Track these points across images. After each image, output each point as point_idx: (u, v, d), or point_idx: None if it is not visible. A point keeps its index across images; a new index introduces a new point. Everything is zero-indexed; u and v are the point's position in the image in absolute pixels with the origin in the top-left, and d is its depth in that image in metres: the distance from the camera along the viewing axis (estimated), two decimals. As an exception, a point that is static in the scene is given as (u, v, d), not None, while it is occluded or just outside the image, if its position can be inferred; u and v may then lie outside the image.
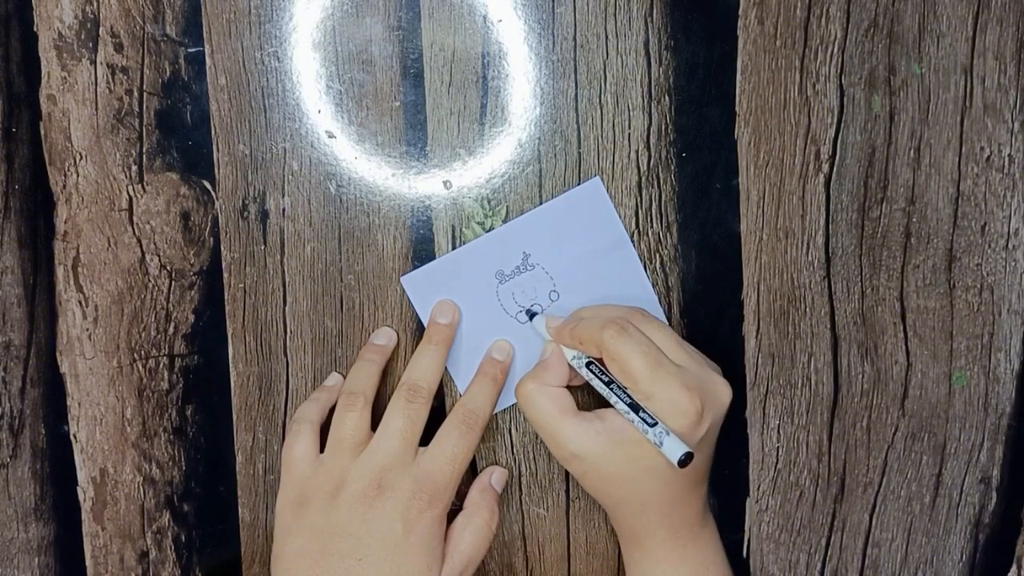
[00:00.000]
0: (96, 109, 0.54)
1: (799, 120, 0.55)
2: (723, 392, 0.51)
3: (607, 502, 0.53)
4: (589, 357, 0.51)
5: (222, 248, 0.55)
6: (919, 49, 0.55)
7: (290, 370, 0.56)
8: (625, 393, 0.49)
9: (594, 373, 0.50)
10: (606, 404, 0.50)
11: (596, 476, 0.51)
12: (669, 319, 0.56)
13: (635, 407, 0.48)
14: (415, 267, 0.55)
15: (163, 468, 0.56)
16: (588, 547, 0.58)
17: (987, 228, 0.57)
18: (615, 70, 0.54)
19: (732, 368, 0.57)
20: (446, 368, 0.55)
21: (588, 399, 0.55)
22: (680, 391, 0.48)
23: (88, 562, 0.57)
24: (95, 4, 0.53)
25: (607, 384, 0.49)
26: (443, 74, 0.54)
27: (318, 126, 0.54)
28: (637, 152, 0.55)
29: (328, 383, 0.56)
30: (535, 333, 0.55)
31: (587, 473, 0.51)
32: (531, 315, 0.55)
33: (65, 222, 0.55)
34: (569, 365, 0.52)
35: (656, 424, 0.47)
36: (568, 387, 0.52)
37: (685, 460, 0.46)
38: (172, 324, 0.55)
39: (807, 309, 0.57)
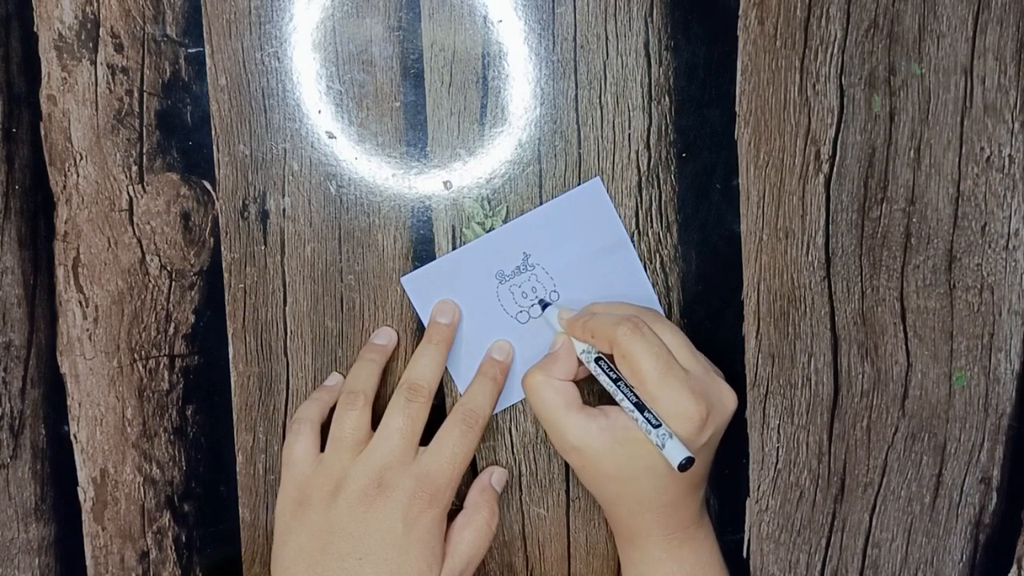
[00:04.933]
0: (96, 109, 0.54)
1: (799, 120, 0.55)
2: (729, 400, 0.51)
3: (604, 498, 0.53)
4: (599, 352, 0.51)
5: (222, 248, 0.55)
6: (919, 49, 0.55)
7: (290, 370, 0.56)
8: (632, 392, 0.49)
9: (602, 369, 0.50)
10: (610, 399, 0.50)
11: (594, 471, 0.51)
12: (669, 319, 0.56)
13: (640, 407, 0.48)
14: (415, 267, 0.55)
15: (163, 468, 0.56)
16: (588, 547, 0.58)
17: (987, 228, 0.57)
18: (615, 70, 0.55)
19: (732, 368, 0.57)
20: (446, 368, 0.55)
21: (592, 398, 0.55)
22: (687, 396, 0.48)
23: (88, 562, 0.57)
24: (95, 4, 0.53)
25: (614, 381, 0.50)
26: (443, 74, 0.54)
27: (318, 126, 0.54)
28: (637, 152, 0.55)
29: (328, 383, 0.56)
30: (546, 324, 0.55)
31: (586, 467, 0.51)
32: (544, 305, 0.55)
33: (65, 222, 0.55)
34: (578, 359, 0.52)
35: (660, 426, 0.47)
36: (575, 381, 0.52)
37: (686, 464, 0.46)
38: (172, 324, 0.56)
39: (807, 309, 0.57)
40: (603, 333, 0.50)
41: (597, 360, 0.51)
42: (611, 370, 0.50)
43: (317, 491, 0.52)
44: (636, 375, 0.49)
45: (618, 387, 0.49)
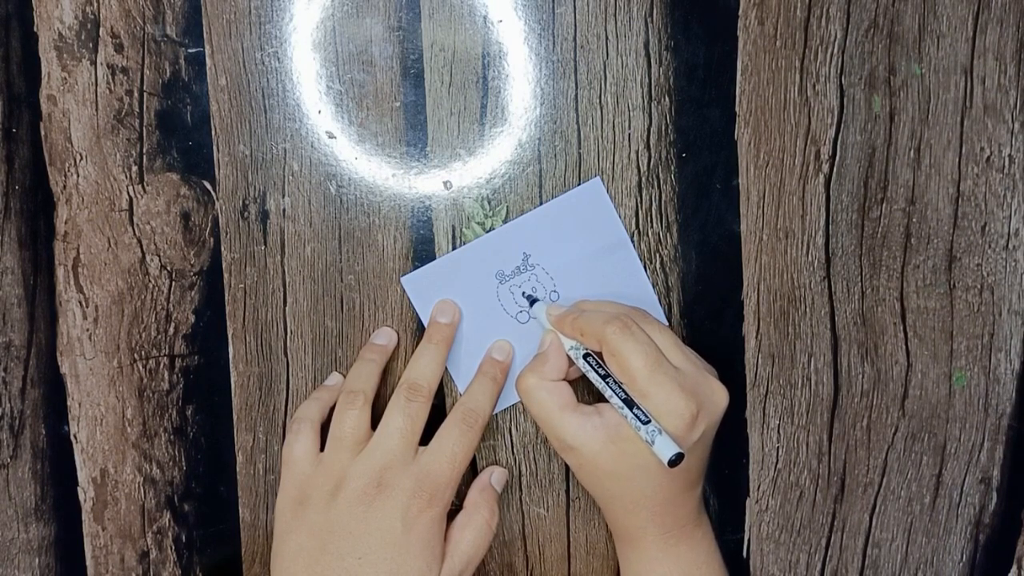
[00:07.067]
0: (96, 109, 0.54)
1: (799, 120, 0.55)
2: (720, 397, 0.51)
3: (600, 496, 0.53)
4: (587, 348, 0.51)
5: (222, 248, 0.55)
6: (919, 49, 0.55)
7: (290, 370, 0.56)
8: (620, 388, 0.49)
9: (591, 365, 0.50)
10: (604, 398, 0.50)
11: (591, 470, 0.51)
12: (669, 319, 0.56)
13: (629, 403, 0.48)
14: (415, 267, 0.55)
15: (163, 468, 0.56)
16: (588, 547, 0.58)
17: (987, 228, 0.57)
18: (615, 70, 0.55)
19: (732, 368, 0.57)
20: (446, 368, 0.55)
21: (588, 397, 0.55)
22: (677, 393, 0.48)
23: (88, 562, 0.57)
24: (95, 4, 0.53)
25: (603, 377, 0.50)
26: (443, 74, 0.54)
27: (318, 126, 0.54)
28: (637, 152, 0.55)
29: (329, 383, 0.56)
30: (534, 320, 0.55)
31: (582, 466, 0.51)
32: (532, 301, 0.55)
33: (65, 222, 0.55)
34: (568, 356, 0.52)
35: (649, 422, 0.47)
36: (568, 381, 0.52)
37: (675, 460, 0.46)
38: (172, 324, 0.56)
39: (807, 309, 0.57)
40: (592, 331, 0.50)
41: (585, 356, 0.51)
42: (599, 366, 0.50)
43: (317, 491, 0.52)
44: (625, 373, 0.49)
45: (607, 383, 0.49)
